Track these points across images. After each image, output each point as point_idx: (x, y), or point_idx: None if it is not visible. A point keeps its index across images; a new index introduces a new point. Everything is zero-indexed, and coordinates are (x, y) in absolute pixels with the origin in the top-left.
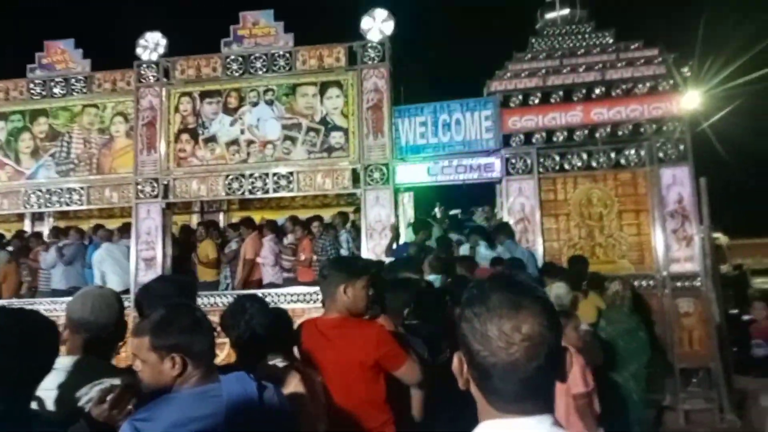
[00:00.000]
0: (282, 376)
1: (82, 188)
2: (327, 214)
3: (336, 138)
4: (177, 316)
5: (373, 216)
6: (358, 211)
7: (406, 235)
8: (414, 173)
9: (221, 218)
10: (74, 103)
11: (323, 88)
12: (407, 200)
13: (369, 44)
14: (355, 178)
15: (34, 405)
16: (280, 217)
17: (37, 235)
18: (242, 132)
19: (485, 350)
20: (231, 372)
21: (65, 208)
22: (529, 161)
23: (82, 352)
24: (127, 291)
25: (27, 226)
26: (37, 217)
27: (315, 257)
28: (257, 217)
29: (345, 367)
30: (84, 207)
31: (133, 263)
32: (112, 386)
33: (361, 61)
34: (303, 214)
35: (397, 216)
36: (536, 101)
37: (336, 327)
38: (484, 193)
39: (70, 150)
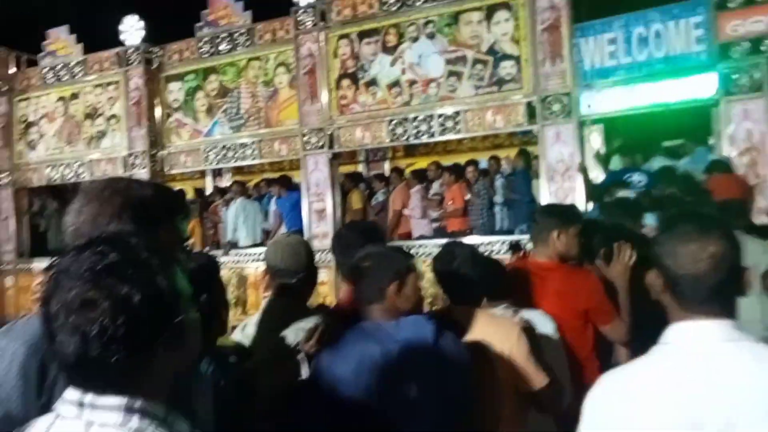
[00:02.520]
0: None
1: (253, 143)
2: (502, 155)
3: (506, 68)
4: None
5: (553, 156)
6: (522, 154)
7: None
8: (602, 102)
9: (386, 166)
10: (239, 58)
11: (490, 12)
12: (595, 136)
13: None
14: (531, 113)
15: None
16: (448, 162)
17: (218, 191)
18: (403, 72)
19: (676, 265)
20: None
21: (239, 163)
22: (756, 76)
23: (279, 295)
24: (259, 244)
25: (208, 182)
26: (217, 173)
27: (468, 205)
28: (424, 163)
29: (557, 311)
30: (256, 162)
31: (306, 215)
32: (317, 324)
33: None
34: (474, 157)
35: (582, 155)
36: None
37: (550, 270)
38: (694, 122)
39: (239, 105)
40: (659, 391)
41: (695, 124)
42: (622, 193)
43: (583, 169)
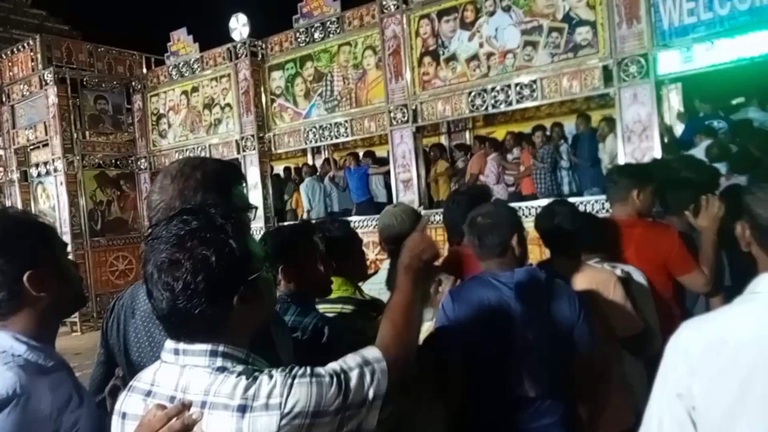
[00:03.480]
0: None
1: (345, 121)
2: (573, 122)
3: (582, 34)
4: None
5: (630, 116)
6: (582, 117)
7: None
8: (681, 61)
9: (467, 136)
10: (331, 44)
11: None
12: (673, 95)
13: None
14: (607, 76)
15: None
16: (527, 129)
17: (311, 167)
18: (481, 45)
19: (767, 215)
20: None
21: (334, 140)
22: None
23: (395, 257)
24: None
25: (309, 159)
26: (316, 151)
27: (532, 169)
28: (503, 131)
29: (639, 263)
30: (349, 138)
31: (393, 185)
32: (439, 279)
33: None
34: (553, 122)
35: (661, 115)
36: None
37: (630, 226)
38: None
39: (333, 88)
40: (748, 339)
41: None
42: (703, 145)
43: (666, 129)
